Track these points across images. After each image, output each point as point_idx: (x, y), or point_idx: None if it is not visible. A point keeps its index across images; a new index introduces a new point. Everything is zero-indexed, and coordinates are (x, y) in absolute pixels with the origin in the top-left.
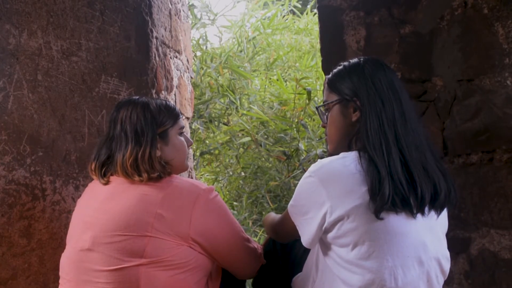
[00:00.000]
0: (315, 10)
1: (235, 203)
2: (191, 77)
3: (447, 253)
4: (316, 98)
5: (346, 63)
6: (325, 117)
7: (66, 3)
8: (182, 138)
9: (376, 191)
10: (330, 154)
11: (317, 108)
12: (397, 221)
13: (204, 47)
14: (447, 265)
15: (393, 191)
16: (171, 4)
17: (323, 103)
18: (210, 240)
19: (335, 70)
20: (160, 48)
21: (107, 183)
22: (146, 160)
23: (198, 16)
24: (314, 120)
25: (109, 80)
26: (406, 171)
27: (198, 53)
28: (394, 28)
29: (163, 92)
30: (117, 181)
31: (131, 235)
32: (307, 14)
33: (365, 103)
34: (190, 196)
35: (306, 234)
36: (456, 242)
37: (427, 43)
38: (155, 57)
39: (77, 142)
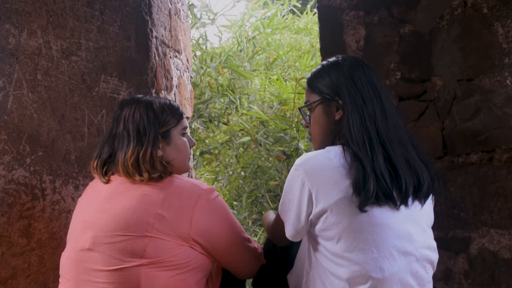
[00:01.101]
0: (315, 10)
1: (234, 202)
2: (191, 77)
3: (434, 244)
4: None
5: (325, 63)
6: (308, 117)
7: (66, 2)
8: (185, 139)
9: (361, 187)
10: None
11: (299, 109)
12: (380, 213)
13: (204, 47)
14: (433, 256)
15: (376, 186)
16: (171, 4)
17: (305, 103)
18: (210, 241)
19: (314, 70)
20: (160, 48)
21: (107, 182)
22: (148, 160)
23: (198, 16)
24: None
25: (109, 79)
26: (389, 165)
27: (198, 53)
28: (394, 28)
29: (162, 91)
30: (118, 181)
31: (131, 235)
32: (307, 13)
33: (346, 102)
34: (191, 196)
35: (290, 225)
36: (456, 242)
37: (427, 43)
38: (154, 56)
39: (77, 142)
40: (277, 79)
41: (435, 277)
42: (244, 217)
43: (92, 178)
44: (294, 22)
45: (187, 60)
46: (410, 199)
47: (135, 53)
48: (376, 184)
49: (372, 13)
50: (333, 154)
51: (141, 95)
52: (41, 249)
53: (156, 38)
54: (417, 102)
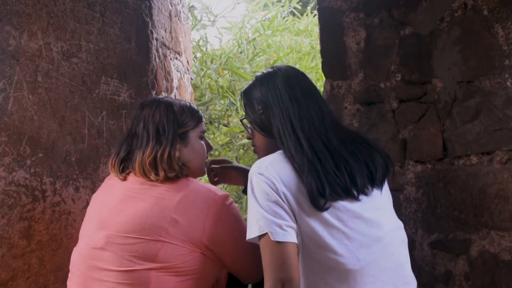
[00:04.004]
0: (315, 12)
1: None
2: (191, 78)
3: (400, 223)
4: None
5: (259, 75)
6: (250, 129)
7: (66, 4)
8: (202, 142)
9: (311, 189)
10: None
11: (241, 121)
12: (344, 206)
13: (204, 49)
14: (403, 235)
15: (329, 184)
16: (171, 6)
17: (245, 116)
18: (222, 247)
19: (250, 83)
20: (160, 50)
21: (124, 179)
22: (165, 159)
23: (198, 18)
24: None
25: (109, 81)
26: (335, 162)
27: (198, 55)
28: (394, 30)
29: (163, 93)
30: (134, 180)
31: (145, 238)
32: (307, 15)
33: (276, 112)
34: (205, 202)
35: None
36: (456, 244)
37: (427, 45)
38: (155, 58)
39: (77, 144)
40: None
41: (435, 279)
42: (244, 219)
43: (93, 180)
44: (295, 24)
45: (188, 61)
46: (368, 188)
47: (135, 54)
48: (328, 183)
49: (372, 15)
50: (277, 154)
51: (162, 96)
52: (41, 250)
53: (157, 40)
54: (417, 104)
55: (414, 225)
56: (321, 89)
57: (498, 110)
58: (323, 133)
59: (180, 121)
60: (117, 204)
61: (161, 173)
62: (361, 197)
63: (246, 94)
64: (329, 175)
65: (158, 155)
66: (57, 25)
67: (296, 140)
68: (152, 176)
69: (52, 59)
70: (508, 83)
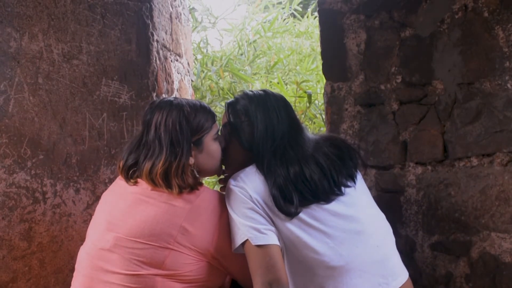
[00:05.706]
0: (316, 14)
1: None
2: (192, 80)
3: (382, 215)
4: (317, 102)
5: (249, 93)
6: (224, 140)
7: (67, 6)
8: (217, 144)
9: (276, 200)
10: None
11: (223, 126)
12: (319, 207)
13: (205, 50)
14: (386, 226)
15: (299, 192)
16: (172, 8)
17: (225, 124)
18: (228, 256)
19: (237, 97)
20: (161, 52)
21: (135, 184)
22: (180, 173)
23: (199, 19)
24: (315, 123)
25: (110, 83)
26: (304, 171)
27: (199, 56)
28: (394, 32)
29: (163, 95)
30: (147, 185)
31: (153, 245)
32: (307, 17)
33: (261, 128)
34: (216, 211)
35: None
36: (456, 245)
37: (428, 47)
38: (155, 60)
39: (78, 145)
40: (278, 83)
41: (436, 281)
42: None
43: (93, 182)
44: (295, 25)
45: (188, 63)
46: (337, 188)
47: (136, 56)
48: (297, 192)
49: (372, 17)
50: (251, 168)
51: (172, 98)
52: (42, 252)
53: (157, 41)
54: (418, 105)
55: (414, 227)
56: (322, 91)
57: (499, 111)
58: (299, 150)
59: (194, 126)
60: (128, 206)
61: (175, 189)
62: (333, 197)
63: (233, 104)
64: (298, 184)
65: (173, 168)
66: (58, 27)
67: (272, 155)
68: (164, 190)
69: (53, 61)
70: (509, 85)
